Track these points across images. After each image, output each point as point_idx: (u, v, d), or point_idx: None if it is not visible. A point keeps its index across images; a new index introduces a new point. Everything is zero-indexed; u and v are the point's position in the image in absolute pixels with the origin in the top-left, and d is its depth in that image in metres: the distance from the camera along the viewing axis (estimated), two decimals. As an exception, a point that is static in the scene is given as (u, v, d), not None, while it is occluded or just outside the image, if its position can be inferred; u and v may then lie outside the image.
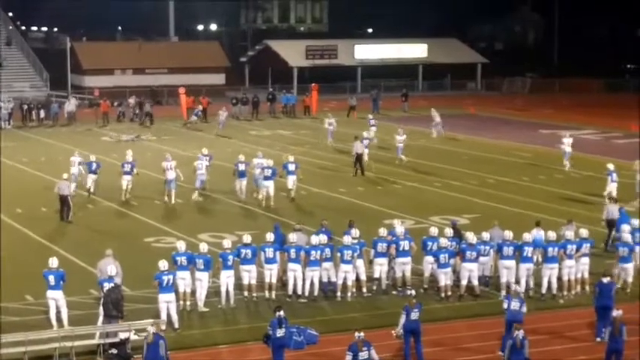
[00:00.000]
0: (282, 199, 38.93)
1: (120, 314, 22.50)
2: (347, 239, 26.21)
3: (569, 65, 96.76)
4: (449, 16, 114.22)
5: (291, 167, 39.02)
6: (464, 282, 26.21)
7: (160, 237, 32.67)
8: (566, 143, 46.60)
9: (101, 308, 22.78)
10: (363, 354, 19.51)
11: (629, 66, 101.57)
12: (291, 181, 38.90)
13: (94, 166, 39.69)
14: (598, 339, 22.76)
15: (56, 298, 23.57)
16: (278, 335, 20.71)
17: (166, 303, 23.61)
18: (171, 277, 23.76)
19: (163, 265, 23.76)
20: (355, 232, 26.71)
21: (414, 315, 21.74)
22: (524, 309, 22.25)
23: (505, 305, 22.32)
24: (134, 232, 33.86)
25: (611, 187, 36.87)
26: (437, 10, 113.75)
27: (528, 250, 26.13)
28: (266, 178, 37.84)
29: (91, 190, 39.45)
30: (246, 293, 25.89)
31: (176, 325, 23.67)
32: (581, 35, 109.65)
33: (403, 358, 21.72)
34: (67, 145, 51.80)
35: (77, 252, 30.32)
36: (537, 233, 27.24)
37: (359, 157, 44.82)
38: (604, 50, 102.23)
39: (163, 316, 23.39)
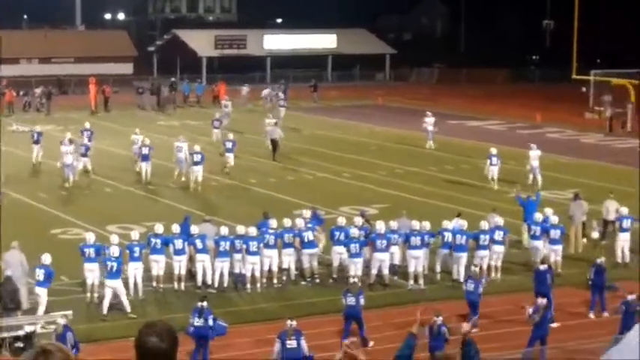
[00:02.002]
0: (192, 189, 38.80)
1: (17, 306, 22.22)
2: (252, 230, 26.20)
3: (475, 56, 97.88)
4: (358, 6, 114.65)
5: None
6: (374, 271, 26.44)
7: (67, 228, 32.29)
8: (429, 122, 49.41)
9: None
10: (292, 342, 19.55)
11: (534, 57, 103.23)
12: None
13: None
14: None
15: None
16: (196, 324, 20.73)
17: (112, 289, 23.94)
18: (115, 264, 24.04)
19: (113, 250, 24.16)
20: (272, 222, 26.78)
21: (351, 300, 22.02)
22: (480, 290, 23.25)
23: (464, 287, 23.44)
24: (40, 223, 33.41)
25: (492, 170, 39.28)
26: (346, 0, 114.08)
27: (448, 236, 26.68)
28: (195, 163, 38.61)
29: None
30: (154, 284, 25.78)
31: (128, 309, 24.02)
32: (488, 26, 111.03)
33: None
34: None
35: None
36: (457, 223, 27.68)
37: (274, 142, 46.12)
38: (510, 41, 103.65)
39: (106, 302, 23.84)
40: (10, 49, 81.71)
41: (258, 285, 26.06)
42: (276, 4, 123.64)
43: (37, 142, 43.00)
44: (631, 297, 22.01)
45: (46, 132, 44.85)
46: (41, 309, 23.24)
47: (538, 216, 28.18)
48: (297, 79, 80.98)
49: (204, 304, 21.00)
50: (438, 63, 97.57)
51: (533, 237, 27.86)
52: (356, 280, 23.72)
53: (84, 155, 40.92)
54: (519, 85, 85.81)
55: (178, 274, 25.91)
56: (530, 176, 39.14)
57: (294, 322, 19.84)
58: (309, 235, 26.85)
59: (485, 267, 26.79)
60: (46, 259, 23.85)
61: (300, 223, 27.12)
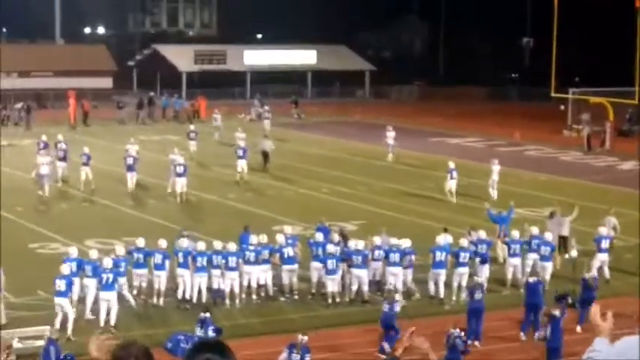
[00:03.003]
0: (170, 203, 38.75)
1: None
2: (232, 246, 26.15)
3: (455, 74, 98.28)
4: (338, 23, 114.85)
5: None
6: (354, 287, 26.45)
7: (45, 243, 32.14)
8: (389, 137, 51.34)
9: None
10: (296, 356, 19.56)
11: (513, 75, 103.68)
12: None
13: None
14: (523, 335, 23.74)
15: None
16: (197, 335, 20.90)
17: (107, 301, 23.84)
18: (111, 275, 23.81)
19: (107, 263, 24.08)
20: (253, 238, 26.78)
21: (385, 308, 22.69)
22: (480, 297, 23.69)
23: (469, 297, 23.85)
24: (18, 237, 33.22)
25: (450, 184, 40.24)
26: (326, 17, 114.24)
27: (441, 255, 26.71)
28: (179, 174, 39.25)
29: None
30: (155, 299, 25.71)
31: (112, 323, 23.86)
32: (467, 44, 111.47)
33: None
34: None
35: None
36: (445, 239, 27.77)
37: (265, 154, 47.20)
38: (489, 59, 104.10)
39: (102, 315, 23.75)
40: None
41: (237, 301, 26.00)
42: (256, 19, 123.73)
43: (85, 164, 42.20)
44: None
45: (25, 146, 44.70)
46: (57, 321, 23.11)
47: (515, 233, 28.26)
48: (277, 95, 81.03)
49: (207, 315, 21.09)
50: (417, 80, 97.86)
51: (513, 255, 27.88)
52: (391, 287, 23.98)
53: (62, 160, 41.83)
54: (498, 103, 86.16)
55: (158, 289, 25.84)
56: (490, 190, 40.13)
57: (306, 338, 19.93)
58: (289, 251, 26.83)
59: (464, 284, 26.75)
60: (66, 269, 23.67)
61: (280, 239, 27.11)
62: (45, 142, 44.36)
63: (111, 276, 23.93)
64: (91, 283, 24.57)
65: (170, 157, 41.14)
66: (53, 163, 41.43)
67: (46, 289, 26.02)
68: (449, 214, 37.13)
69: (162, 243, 26.19)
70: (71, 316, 23.43)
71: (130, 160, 41.17)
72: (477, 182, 43.52)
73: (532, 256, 27.91)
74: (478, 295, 23.65)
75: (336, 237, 27.55)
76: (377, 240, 27.15)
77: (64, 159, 42.32)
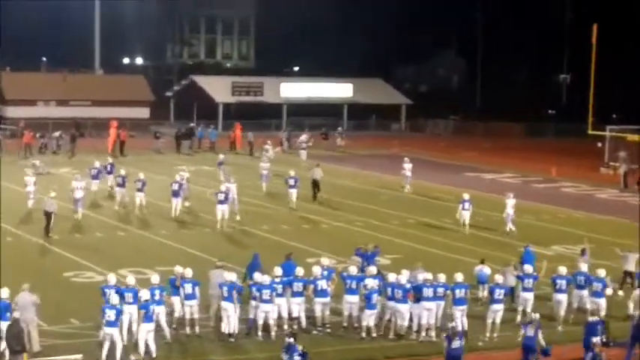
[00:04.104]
0: (206, 234, 38.86)
1: (22, 348, 22.16)
2: (265, 278, 26.05)
3: (491, 109, 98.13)
4: (374, 56, 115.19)
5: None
6: (387, 317, 26.37)
7: (80, 271, 32.28)
8: (407, 168, 52.42)
9: (3, 344, 22.41)
10: None
11: (550, 111, 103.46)
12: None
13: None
14: None
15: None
16: None
17: (147, 332, 23.69)
18: (154, 306, 23.79)
19: (143, 294, 23.96)
20: (300, 270, 26.78)
21: (456, 344, 22.36)
22: (540, 335, 23.43)
23: (522, 332, 23.54)
24: (53, 266, 33.40)
25: (464, 215, 41.10)
26: (363, 50, 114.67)
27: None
28: (220, 202, 40.08)
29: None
30: (188, 329, 25.68)
31: (154, 355, 23.64)
32: (504, 79, 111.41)
33: None
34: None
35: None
36: (482, 270, 27.60)
37: (316, 183, 48.34)
38: (526, 95, 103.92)
39: (142, 346, 23.51)
40: (29, 91, 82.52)
41: (273, 333, 25.88)
42: (293, 52, 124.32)
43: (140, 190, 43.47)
44: None
45: (62, 174, 45.07)
46: (104, 351, 23.18)
47: (562, 269, 28.01)
48: (313, 127, 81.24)
49: (292, 340, 21.21)
50: (453, 115, 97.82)
51: (559, 290, 27.75)
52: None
53: (121, 186, 43.90)
54: (535, 139, 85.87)
55: (190, 319, 25.75)
56: (509, 225, 40.79)
57: None
58: (322, 284, 26.76)
59: (498, 321, 26.52)
60: (114, 299, 23.79)
61: (317, 270, 27.05)
62: (98, 168, 46.81)
63: (153, 307, 23.86)
64: (132, 310, 24.57)
65: (226, 186, 41.97)
66: (87, 187, 43.01)
67: (79, 318, 26.12)
68: (487, 250, 36.90)
69: (188, 272, 26.05)
70: (119, 345, 23.46)
71: (175, 186, 42.50)
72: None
73: (580, 293, 27.85)
74: (531, 332, 23.53)
75: (373, 269, 27.51)
76: (418, 274, 26.98)
77: (122, 185, 43.95)
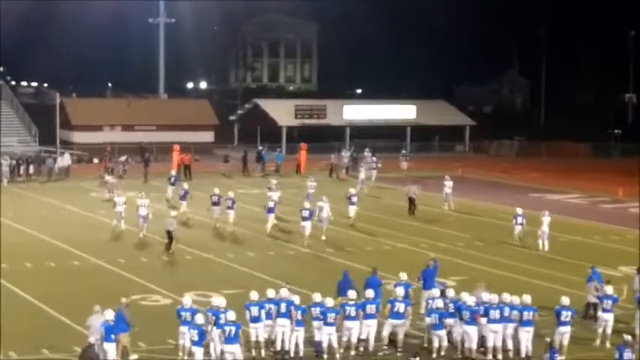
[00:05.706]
0: (269, 255, 38.94)
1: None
2: (329, 302, 25.98)
3: (556, 129, 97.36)
4: (437, 78, 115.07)
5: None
6: (460, 340, 26.16)
7: (147, 294, 32.48)
8: (447, 186, 52.86)
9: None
10: None
11: (615, 131, 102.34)
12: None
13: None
14: None
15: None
16: None
17: (231, 354, 23.76)
18: (233, 328, 23.79)
19: (230, 315, 24.09)
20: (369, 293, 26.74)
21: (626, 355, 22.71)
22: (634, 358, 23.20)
23: (617, 355, 23.20)
24: (119, 289, 33.61)
25: (518, 229, 42.01)
26: (426, 71, 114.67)
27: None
28: (304, 219, 41.46)
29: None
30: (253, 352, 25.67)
31: None
32: (567, 99, 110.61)
33: None
34: (53, 200, 51.73)
35: (61, 308, 30.11)
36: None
37: (412, 200, 50.46)
38: (591, 115, 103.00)
39: None
40: (95, 116, 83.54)
41: (338, 356, 25.76)
42: (356, 74, 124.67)
43: (216, 203, 45.25)
44: None
45: (127, 199, 45.42)
46: None
47: (610, 289, 27.77)
48: (377, 149, 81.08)
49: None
50: (517, 136, 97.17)
51: (605, 310, 27.47)
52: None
53: (216, 204, 45.07)
54: (600, 159, 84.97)
55: (255, 342, 25.72)
56: (540, 242, 40.99)
57: None
58: (400, 307, 26.60)
59: (565, 343, 26.20)
60: (199, 319, 23.93)
61: (400, 292, 26.96)
62: (186, 190, 47.92)
63: (234, 328, 23.89)
64: (215, 333, 24.57)
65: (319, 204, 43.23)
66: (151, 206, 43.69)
67: (146, 341, 26.24)
68: (552, 272, 36.56)
69: (271, 293, 26.03)
70: None
71: (271, 204, 44.11)
72: (577, 239, 42.88)
73: None
74: (628, 355, 23.21)
75: (436, 292, 27.35)
76: (484, 296, 26.76)
77: (217, 203, 45.01)
